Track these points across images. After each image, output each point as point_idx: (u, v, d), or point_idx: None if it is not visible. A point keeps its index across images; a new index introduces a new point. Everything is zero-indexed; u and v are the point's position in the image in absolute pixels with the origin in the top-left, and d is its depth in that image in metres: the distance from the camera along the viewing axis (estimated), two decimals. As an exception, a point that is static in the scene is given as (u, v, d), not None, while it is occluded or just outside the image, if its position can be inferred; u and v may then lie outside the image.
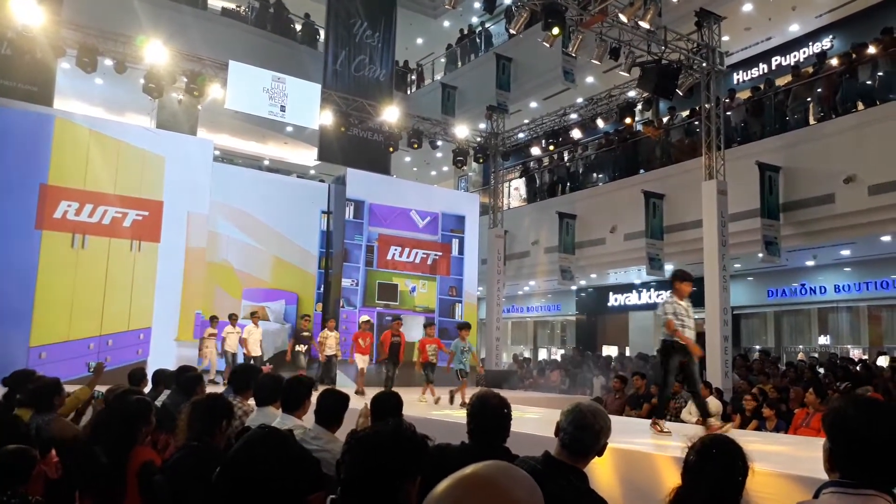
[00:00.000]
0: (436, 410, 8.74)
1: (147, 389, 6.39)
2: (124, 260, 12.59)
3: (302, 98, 13.68)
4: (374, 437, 1.88)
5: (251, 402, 4.52)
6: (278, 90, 13.32)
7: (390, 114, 15.23)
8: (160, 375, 6.42)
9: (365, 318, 12.70)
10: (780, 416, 8.61)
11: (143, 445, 3.63)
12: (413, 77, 23.14)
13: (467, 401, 7.56)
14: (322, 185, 16.04)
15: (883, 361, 12.01)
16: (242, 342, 12.38)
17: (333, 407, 3.58)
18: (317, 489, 2.88)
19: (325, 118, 14.53)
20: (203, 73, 13.05)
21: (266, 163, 22.61)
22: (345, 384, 12.24)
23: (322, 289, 15.08)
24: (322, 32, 16.98)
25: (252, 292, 14.40)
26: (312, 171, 22.35)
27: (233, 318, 12.90)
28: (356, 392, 10.65)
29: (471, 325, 10.88)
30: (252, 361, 11.95)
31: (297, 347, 12.55)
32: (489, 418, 2.92)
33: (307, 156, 21.39)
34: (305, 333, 12.81)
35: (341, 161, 15.70)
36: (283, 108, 13.36)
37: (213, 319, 13.02)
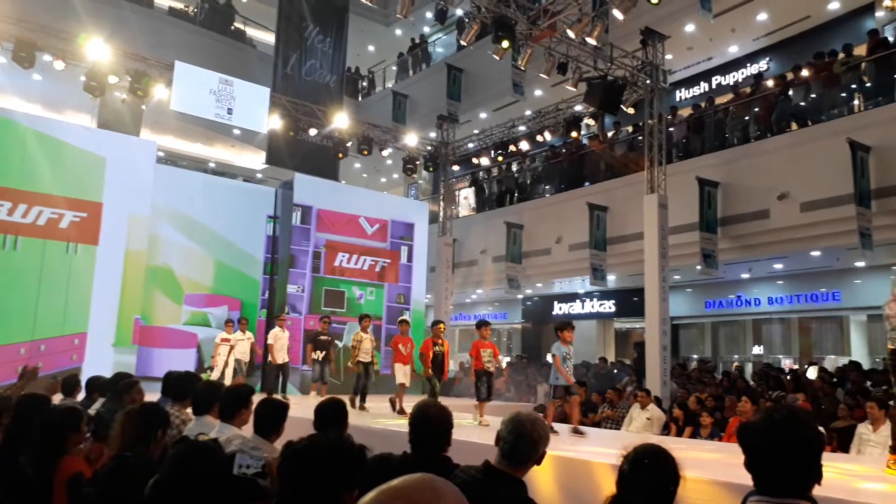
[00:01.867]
0: (384, 420, 8.66)
1: (81, 397, 6.19)
2: (59, 262, 12.13)
3: (250, 101, 13.49)
4: (310, 448, 1.84)
5: (189, 410, 4.43)
6: (225, 93, 13.10)
7: (340, 120, 15.15)
8: (95, 382, 6.23)
9: (404, 317, 10.34)
10: (715, 424, 8.89)
11: (73, 456, 3.51)
12: (364, 84, 23.10)
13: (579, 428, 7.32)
14: (269, 190, 15.81)
15: (812, 372, 12.50)
16: (269, 348, 11.40)
17: (272, 416, 3.54)
18: (252, 501, 2.86)
19: (274, 122, 14.36)
20: (148, 73, 12.74)
21: (212, 166, 22.17)
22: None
23: (267, 295, 14.84)
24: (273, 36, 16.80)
25: (194, 297, 14.07)
26: (259, 175, 22.02)
27: (242, 323, 12.18)
28: (398, 412, 8.90)
29: (573, 325, 8.06)
30: (280, 372, 11.32)
31: (314, 354, 11.19)
32: (429, 428, 2.94)
33: (255, 160, 21.09)
34: (325, 337, 11.41)
35: (290, 166, 15.53)
36: (230, 111, 13.14)
37: (229, 323, 12.30)
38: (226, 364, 11.64)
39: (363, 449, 1.93)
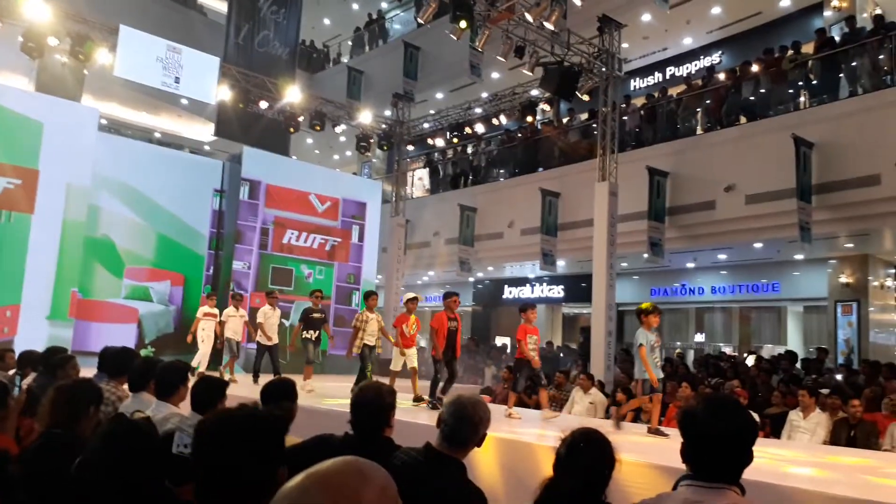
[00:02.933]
0: (329, 400, 8.57)
1: (13, 372, 5.96)
2: (-9, 231, 11.62)
3: (198, 70, 13.06)
4: (222, 422, 1.66)
5: (125, 387, 4.31)
6: (173, 60, 12.64)
7: (293, 93, 14.82)
8: (28, 357, 6.04)
9: (411, 295, 9.05)
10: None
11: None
12: (319, 58, 22.67)
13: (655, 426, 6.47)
14: (216, 163, 15.39)
15: (751, 360, 12.92)
16: (259, 327, 10.67)
17: (208, 394, 3.45)
18: (185, 481, 2.77)
19: (223, 93, 13.94)
20: (90, 37, 12.19)
21: (157, 136, 21.47)
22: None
23: (211, 271, 14.51)
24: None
25: (135, 271, 13.66)
26: (207, 148, 21.45)
27: (236, 298, 11.37)
28: (415, 400, 8.42)
29: (656, 310, 6.83)
30: (267, 351, 10.61)
31: (306, 334, 10.09)
32: (370, 409, 2.91)
33: (203, 131, 20.51)
34: (317, 315, 10.27)
35: (239, 139, 15.16)
36: (177, 80, 12.70)
37: (211, 296, 11.48)
38: (218, 341, 11.02)
39: (282, 420, 1.77)
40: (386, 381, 8.42)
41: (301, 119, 15.67)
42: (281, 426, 1.67)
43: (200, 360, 10.75)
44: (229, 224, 14.51)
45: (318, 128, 15.72)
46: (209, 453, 1.57)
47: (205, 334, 10.95)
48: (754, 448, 1.91)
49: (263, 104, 14.90)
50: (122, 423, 2.55)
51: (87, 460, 2.32)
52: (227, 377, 9.69)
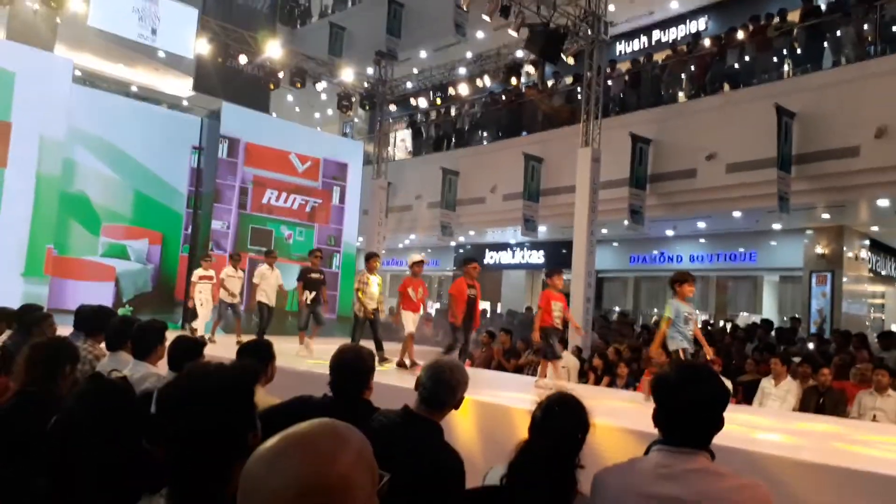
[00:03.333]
0: (309, 361, 8.61)
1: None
2: (-39, 184, 11.35)
3: (176, 23, 12.72)
4: (180, 387, 1.55)
5: (102, 346, 4.29)
6: (150, 11, 12.29)
7: (273, 49, 14.52)
8: (1, 314, 5.93)
9: (418, 257, 8.72)
10: (631, 374, 9.26)
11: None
12: (300, 12, 22.17)
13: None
14: (194, 119, 15.08)
15: (727, 328, 13.16)
16: (253, 288, 10.30)
17: (186, 353, 3.44)
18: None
19: (202, 47, 13.63)
20: (63, -17, 11.81)
21: (134, 89, 20.94)
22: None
23: (190, 230, 14.34)
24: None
25: (112, 228, 13.46)
26: (185, 103, 20.99)
27: (234, 259, 10.84)
28: (401, 364, 8.22)
29: (691, 277, 6.27)
30: (261, 313, 10.21)
31: (305, 295, 9.63)
32: (350, 372, 2.93)
33: (181, 85, 20.02)
34: (315, 275, 9.76)
35: (218, 94, 14.86)
36: (154, 32, 12.38)
37: (206, 258, 11.00)
38: (221, 305, 10.57)
39: (246, 380, 1.62)
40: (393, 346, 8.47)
41: (281, 75, 15.40)
42: (244, 386, 1.57)
43: (203, 325, 10.45)
44: (208, 182, 14.30)
45: (298, 85, 15.47)
46: (170, 418, 1.51)
47: (202, 297, 10.65)
48: (726, 414, 1.94)
49: (243, 59, 14.59)
50: (98, 382, 2.52)
51: (62, 419, 2.31)
52: (207, 337, 9.64)
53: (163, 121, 14.55)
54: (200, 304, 10.72)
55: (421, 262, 8.51)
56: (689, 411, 1.92)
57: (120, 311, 11.20)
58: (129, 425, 2.31)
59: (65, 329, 4.60)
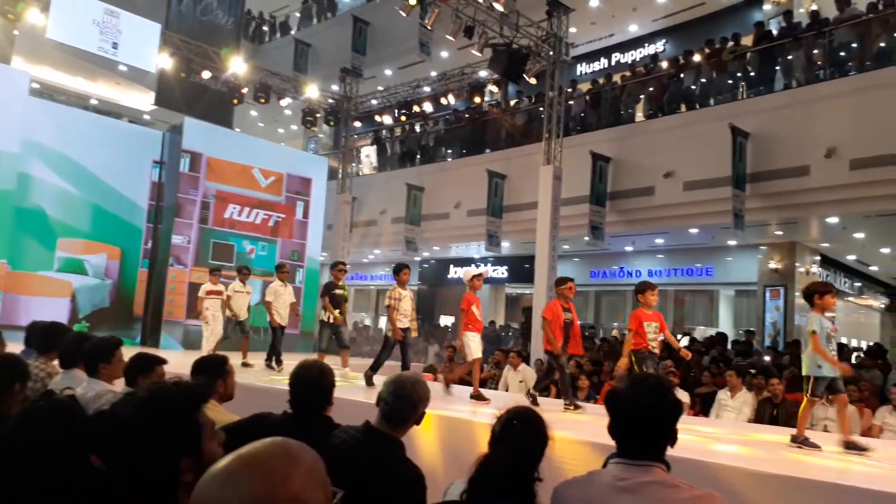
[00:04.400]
0: (268, 376, 8.50)
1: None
2: (-89, 198, 10.99)
3: (138, 37, 12.56)
4: (113, 414, 1.54)
5: (55, 363, 4.18)
6: (111, 25, 12.12)
7: (237, 64, 14.45)
8: (-51, 331, 5.75)
9: (477, 270, 7.60)
10: (592, 387, 9.37)
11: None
12: (265, 29, 22.12)
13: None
14: (156, 133, 14.87)
15: (685, 341, 13.39)
16: (267, 307, 9.51)
17: (140, 369, 3.39)
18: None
19: (164, 61, 13.49)
20: (21, -5, 11.60)
21: (94, 103, 20.64)
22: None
23: (150, 245, 14.10)
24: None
25: (69, 243, 13.16)
26: (147, 117, 20.75)
27: (243, 273, 10.10)
28: (478, 396, 7.00)
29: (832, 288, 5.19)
30: (273, 331, 9.58)
31: (328, 314, 8.69)
32: (312, 389, 2.92)
33: (143, 100, 19.82)
34: (340, 290, 8.83)
35: (181, 109, 14.69)
36: (115, 46, 12.19)
37: (215, 273, 10.38)
38: (231, 318, 9.83)
39: (178, 401, 1.56)
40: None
41: (245, 91, 15.32)
42: (177, 409, 1.51)
43: (212, 343, 9.76)
44: (169, 196, 14.08)
45: (262, 100, 15.41)
46: (106, 443, 1.50)
47: (210, 314, 10.10)
48: (683, 426, 1.99)
49: (206, 74, 14.48)
50: (40, 401, 2.48)
51: (2, 439, 2.26)
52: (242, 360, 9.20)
53: (123, 135, 14.32)
54: (206, 321, 10.16)
55: (481, 276, 7.51)
56: (640, 424, 1.96)
57: (76, 328, 10.93)
58: (73, 445, 2.28)
59: (16, 346, 4.49)
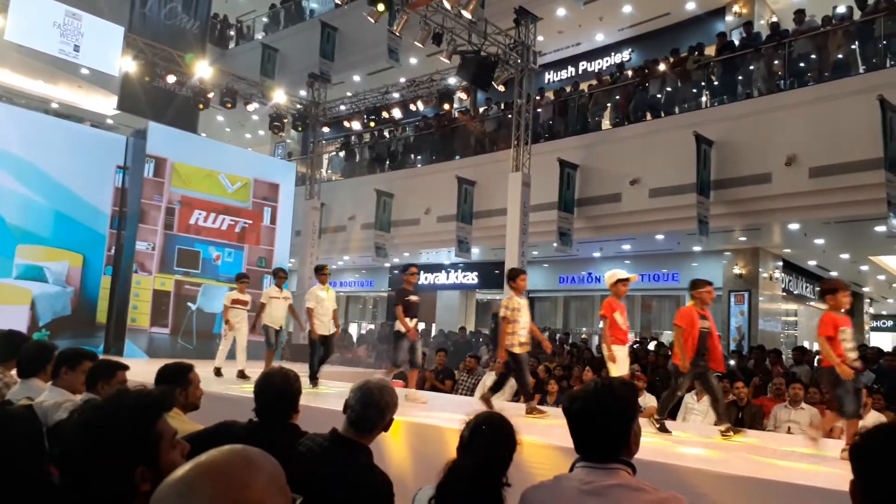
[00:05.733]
0: (233, 385, 8.37)
1: None
2: None
3: (100, 39, 12.33)
4: (70, 421, 1.51)
5: (13, 373, 4.07)
6: (72, 27, 11.89)
7: (202, 69, 14.28)
8: None
9: (622, 273, 6.74)
10: (562, 392, 9.43)
11: None
12: (232, 33, 21.91)
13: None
14: (119, 138, 14.59)
15: (652, 346, 13.56)
16: (309, 314, 8.38)
17: (100, 375, 3.30)
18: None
19: (128, 65, 13.27)
20: (-22, -5, 11.31)
21: (54, 106, 20.18)
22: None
23: (113, 251, 13.82)
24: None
25: (28, 249, 12.83)
26: (110, 122, 20.37)
27: (280, 276, 9.34)
28: (664, 429, 5.77)
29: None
30: (322, 348, 8.51)
31: (406, 323, 7.65)
32: (277, 396, 2.88)
33: (105, 104, 19.45)
34: (414, 297, 7.80)
35: (144, 113, 14.46)
36: (76, 48, 11.95)
37: (242, 279, 9.60)
38: (256, 330, 9.19)
39: (129, 410, 1.50)
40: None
41: (211, 95, 15.14)
42: (134, 417, 1.47)
43: (242, 358, 9.22)
44: (133, 202, 13.83)
45: (229, 105, 15.25)
46: (59, 453, 1.48)
47: (235, 322, 9.30)
48: (649, 430, 2.00)
49: (171, 78, 14.28)
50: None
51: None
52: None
53: (85, 139, 14.04)
54: (224, 334, 9.60)
55: (627, 281, 6.63)
56: (593, 427, 1.98)
57: (35, 336, 10.65)
58: (28, 455, 2.22)
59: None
